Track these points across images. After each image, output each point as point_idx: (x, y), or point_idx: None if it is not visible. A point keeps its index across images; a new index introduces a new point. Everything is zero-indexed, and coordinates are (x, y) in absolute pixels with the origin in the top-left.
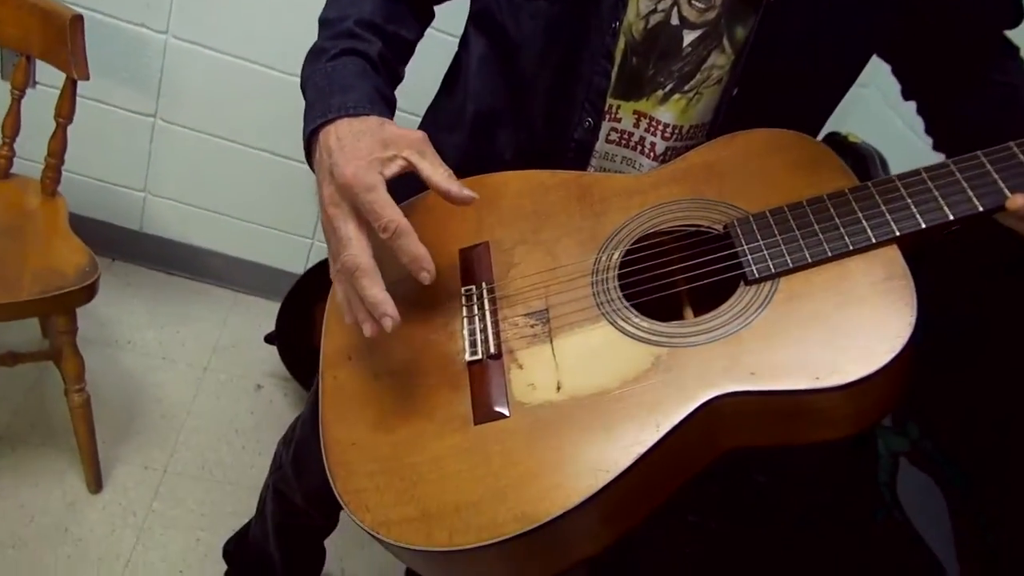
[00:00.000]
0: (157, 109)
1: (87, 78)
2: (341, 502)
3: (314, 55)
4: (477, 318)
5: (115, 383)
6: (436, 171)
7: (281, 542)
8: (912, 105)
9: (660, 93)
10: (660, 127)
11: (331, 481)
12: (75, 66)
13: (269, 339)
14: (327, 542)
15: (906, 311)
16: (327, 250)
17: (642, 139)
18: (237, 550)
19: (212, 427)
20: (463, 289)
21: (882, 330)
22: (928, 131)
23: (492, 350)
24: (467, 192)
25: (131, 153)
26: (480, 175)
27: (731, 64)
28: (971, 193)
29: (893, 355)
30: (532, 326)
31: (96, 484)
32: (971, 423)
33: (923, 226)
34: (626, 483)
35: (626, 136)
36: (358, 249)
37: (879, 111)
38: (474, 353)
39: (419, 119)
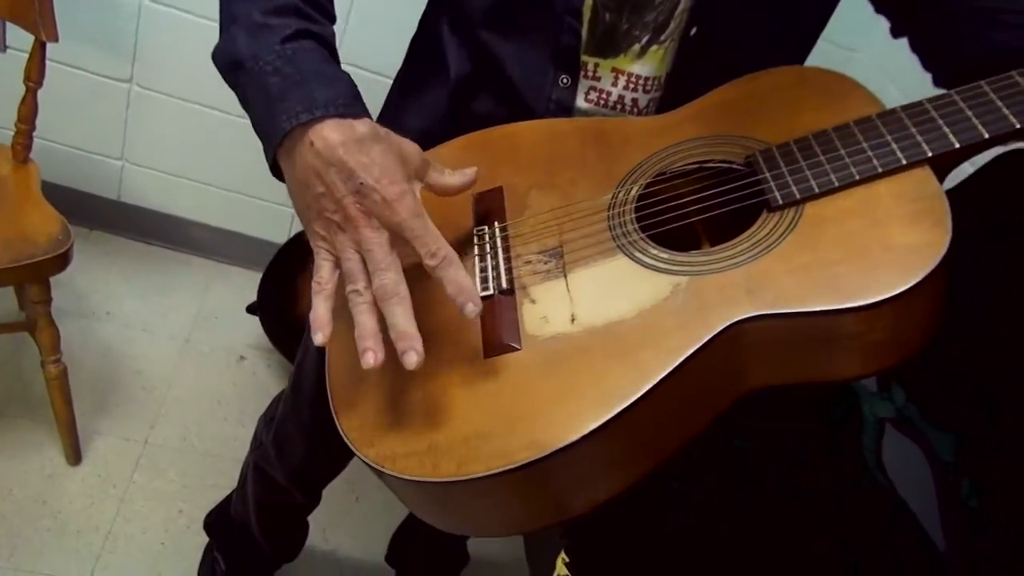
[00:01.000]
0: (133, 74)
1: (56, 40)
2: (346, 439)
3: (255, 30)
4: (489, 256)
5: (94, 354)
6: (444, 177)
7: (263, 519)
8: (906, 71)
9: (637, 47)
10: (641, 82)
11: (335, 419)
12: (43, 28)
13: (251, 309)
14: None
15: (940, 227)
16: (343, 269)
17: (621, 98)
18: (219, 522)
19: (193, 398)
20: (475, 230)
21: (914, 247)
22: (925, 67)
23: (504, 285)
24: (468, 172)
25: (107, 120)
26: (494, 127)
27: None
28: (1007, 111)
29: (926, 271)
30: (545, 262)
31: (75, 456)
32: (959, 389)
33: (957, 145)
34: (643, 412)
35: (604, 96)
36: (398, 276)
37: (872, 77)
38: (485, 289)
39: (386, 79)
